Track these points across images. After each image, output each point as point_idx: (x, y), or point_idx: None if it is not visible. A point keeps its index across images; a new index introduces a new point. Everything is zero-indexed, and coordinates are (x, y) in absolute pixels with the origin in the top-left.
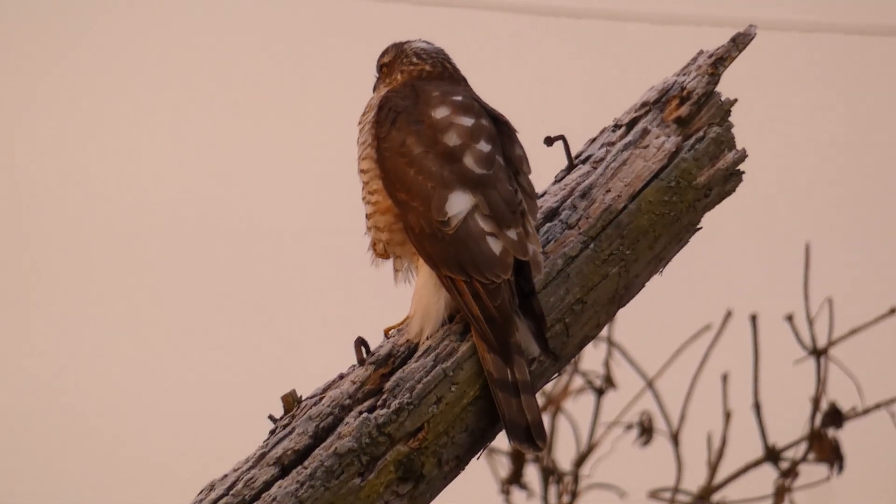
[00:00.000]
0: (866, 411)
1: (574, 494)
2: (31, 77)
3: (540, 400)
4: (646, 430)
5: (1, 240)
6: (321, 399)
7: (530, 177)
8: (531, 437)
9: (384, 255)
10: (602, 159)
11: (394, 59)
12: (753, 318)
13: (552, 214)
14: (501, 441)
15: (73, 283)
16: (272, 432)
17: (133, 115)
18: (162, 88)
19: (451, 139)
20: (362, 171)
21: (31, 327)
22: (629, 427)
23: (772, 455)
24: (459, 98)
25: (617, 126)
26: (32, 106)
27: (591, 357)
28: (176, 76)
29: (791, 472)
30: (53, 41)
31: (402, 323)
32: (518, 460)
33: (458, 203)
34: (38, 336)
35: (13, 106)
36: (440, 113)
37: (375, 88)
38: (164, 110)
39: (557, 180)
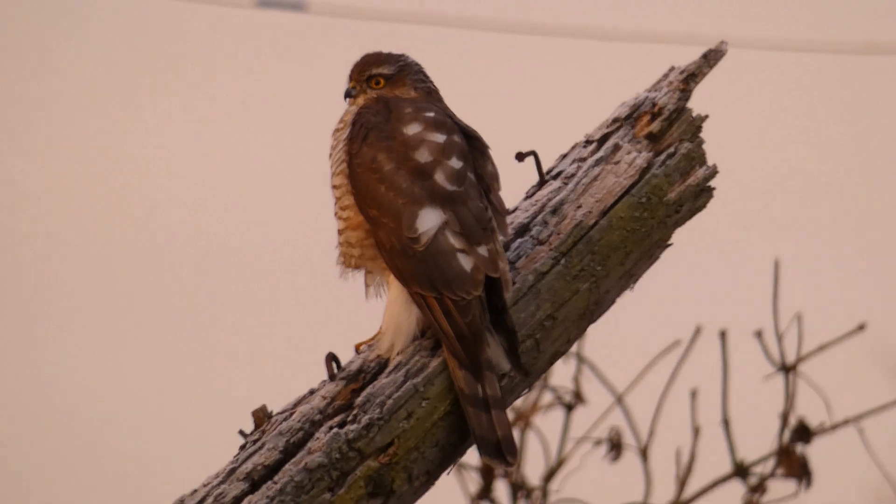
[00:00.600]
0: (835, 427)
1: None
2: (26, 85)
3: (510, 415)
4: (615, 446)
5: None
6: (291, 414)
7: (501, 193)
8: (501, 453)
9: (355, 269)
10: (573, 175)
11: (401, 73)
12: (723, 335)
13: (523, 230)
14: (471, 456)
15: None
16: (242, 447)
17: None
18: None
19: (423, 156)
20: (335, 187)
21: None
22: (598, 442)
23: (740, 471)
24: (432, 114)
25: (588, 142)
26: (29, 112)
27: (561, 373)
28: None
29: (759, 488)
30: (47, 46)
31: (372, 338)
32: (488, 475)
33: (429, 220)
34: None
35: (12, 111)
36: (412, 129)
37: (350, 97)
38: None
39: (528, 196)
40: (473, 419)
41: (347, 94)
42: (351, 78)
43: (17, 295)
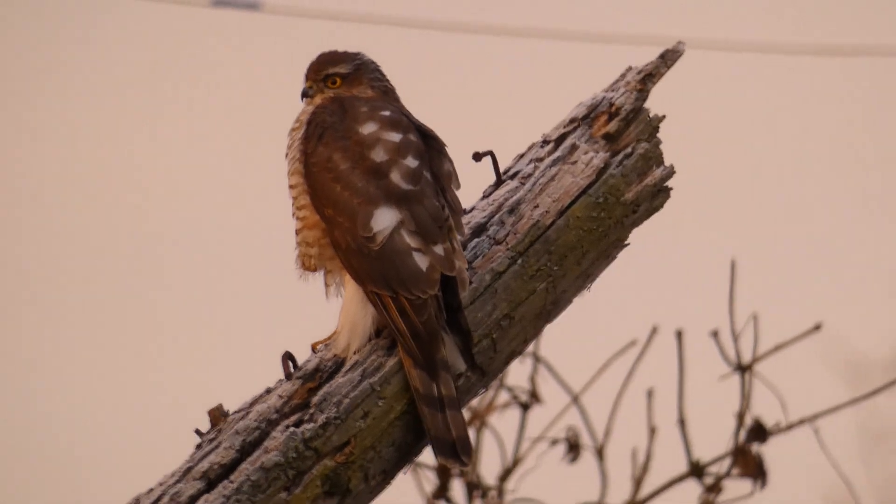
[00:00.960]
0: (790, 427)
1: None
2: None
3: (466, 415)
4: (572, 446)
5: None
6: (248, 413)
7: (459, 192)
8: (456, 453)
9: (312, 269)
10: (530, 175)
11: (358, 72)
12: (679, 334)
13: (480, 230)
14: (428, 456)
15: None
16: (199, 446)
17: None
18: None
19: (378, 155)
20: (291, 186)
21: None
22: (554, 442)
23: (696, 470)
24: (387, 113)
25: (545, 142)
26: (17, 117)
27: (518, 372)
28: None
29: (715, 488)
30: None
31: (329, 338)
32: (444, 475)
33: (384, 219)
34: None
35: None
36: (368, 128)
37: (307, 96)
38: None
39: (485, 196)
40: (428, 419)
41: (304, 94)
42: (307, 77)
43: None
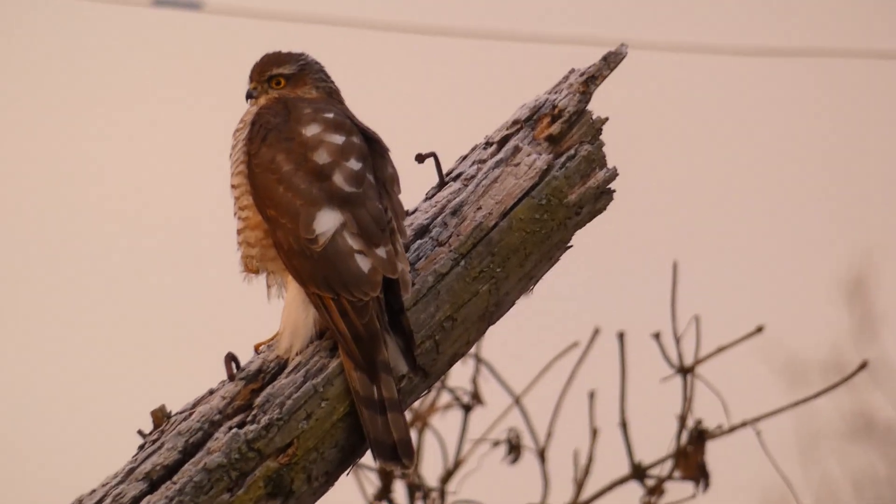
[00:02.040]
0: (732, 429)
1: None
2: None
3: (408, 416)
4: (514, 448)
5: None
6: (191, 414)
7: (401, 194)
8: (397, 455)
9: (254, 271)
10: (473, 177)
11: (302, 72)
12: (621, 336)
13: (423, 231)
14: (371, 457)
15: None
16: (141, 447)
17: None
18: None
19: (321, 157)
20: (234, 187)
21: None
22: (496, 444)
23: (638, 472)
24: (331, 115)
25: (488, 144)
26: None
27: (459, 374)
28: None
29: (657, 490)
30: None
31: (272, 339)
32: (386, 476)
33: (327, 221)
34: None
35: None
36: (311, 130)
37: (252, 97)
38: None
39: (428, 197)
40: (368, 422)
41: (248, 96)
42: (251, 78)
43: None
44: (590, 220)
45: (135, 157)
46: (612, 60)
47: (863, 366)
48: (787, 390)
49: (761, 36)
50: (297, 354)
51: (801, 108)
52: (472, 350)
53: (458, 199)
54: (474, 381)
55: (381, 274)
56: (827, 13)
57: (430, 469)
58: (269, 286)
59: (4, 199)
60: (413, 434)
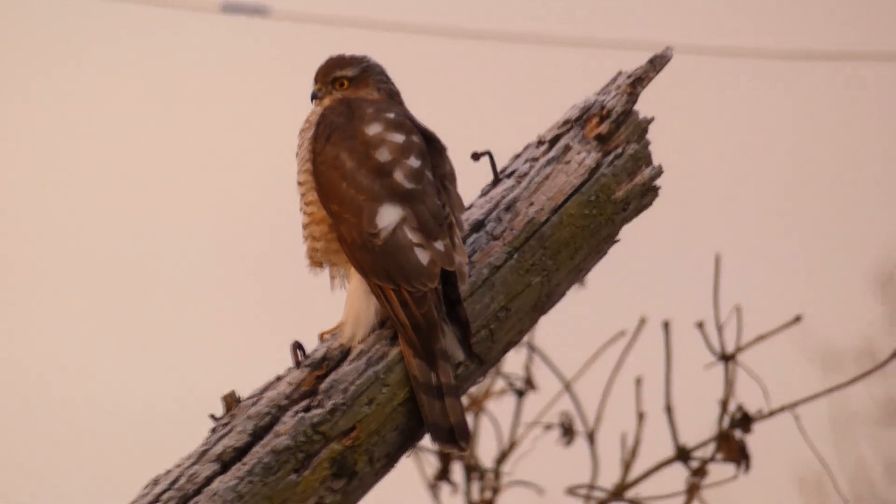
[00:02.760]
0: (771, 414)
1: (495, 491)
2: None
3: (464, 401)
4: (567, 431)
5: None
6: (259, 399)
7: (458, 191)
8: (454, 438)
9: (319, 264)
10: (526, 174)
11: (364, 74)
12: (666, 325)
13: (478, 226)
14: (429, 440)
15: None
16: (213, 431)
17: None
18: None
19: (383, 155)
20: (300, 184)
21: None
22: (548, 427)
23: (682, 454)
24: (392, 115)
25: (540, 142)
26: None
27: (513, 361)
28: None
29: (700, 471)
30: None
31: (335, 328)
32: (444, 458)
33: (388, 216)
34: None
35: None
36: (373, 129)
37: (317, 98)
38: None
39: (483, 193)
40: (426, 406)
41: (314, 97)
42: (316, 80)
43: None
44: (636, 215)
45: (209, 155)
46: (657, 63)
47: (894, 355)
48: (822, 377)
49: (798, 40)
50: (359, 343)
51: (836, 110)
52: (525, 338)
53: (511, 196)
54: (527, 367)
55: (439, 266)
56: (859, 17)
57: (485, 451)
58: (332, 278)
59: (75, 187)
60: (469, 418)
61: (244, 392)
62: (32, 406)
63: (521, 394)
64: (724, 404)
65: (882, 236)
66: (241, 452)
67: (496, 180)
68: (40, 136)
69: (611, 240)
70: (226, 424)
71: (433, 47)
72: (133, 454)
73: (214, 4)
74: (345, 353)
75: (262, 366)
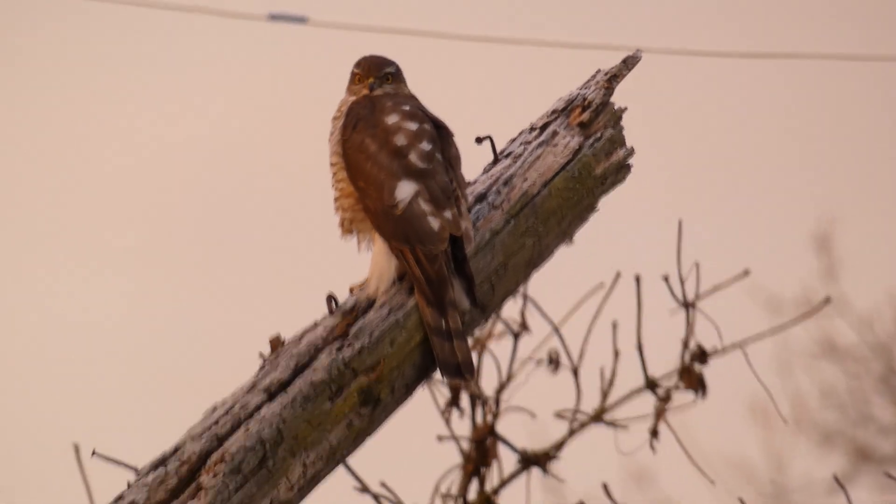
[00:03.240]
0: (724, 350)
1: (496, 416)
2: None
3: (469, 342)
4: (553, 361)
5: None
6: (300, 341)
7: (463, 168)
8: (461, 372)
9: (349, 232)
10: (520, 155)
11: (398, 72)
12: (637, 279)
13: (481, 198)
14: (440, 374)
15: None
16: (261, 367)
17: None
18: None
19: (400, 140)
20: (332, 164)
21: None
22: (539, 362)
23: (651, 384)
24: (407, 108)
25: (532, 129)
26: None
27: (511, 308)
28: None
29: (666, 398)
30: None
31: (363, 283)
32: (454, 389)
33: (405, 190)
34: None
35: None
36: (391, 119)
37: (373, 89)
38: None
39: (485, 171)
40: (438, 347)
41: (371, 88)
42: (372, 75)
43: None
44: (613, 188)
45: (257, 141)
46: (629, 62)
47: (826, 301)
48: (768, 321)
49: (744, 42)
50: (382, 294)
51: (780, 100)
52: (521, 290)
53: (508, 173)
54: (522, 313)
55: (448, 231)
56: (807, 20)
57: (487, 383)
58: (359, 242)
59: (162, 166)
60: (474, 356)
61: (287, 335)
62: (117, 347)
63: (517, 335)
64: (685, 343)
65: (819, 204)
66: (284, 385)
67: (496, 160)
68: (120, 136)
69: (591, 208)
70: (272, 362)
71: (446, 51)
72: (198, 385)
73: (263, 15)
74: (370, 303)
75: (302, 314)
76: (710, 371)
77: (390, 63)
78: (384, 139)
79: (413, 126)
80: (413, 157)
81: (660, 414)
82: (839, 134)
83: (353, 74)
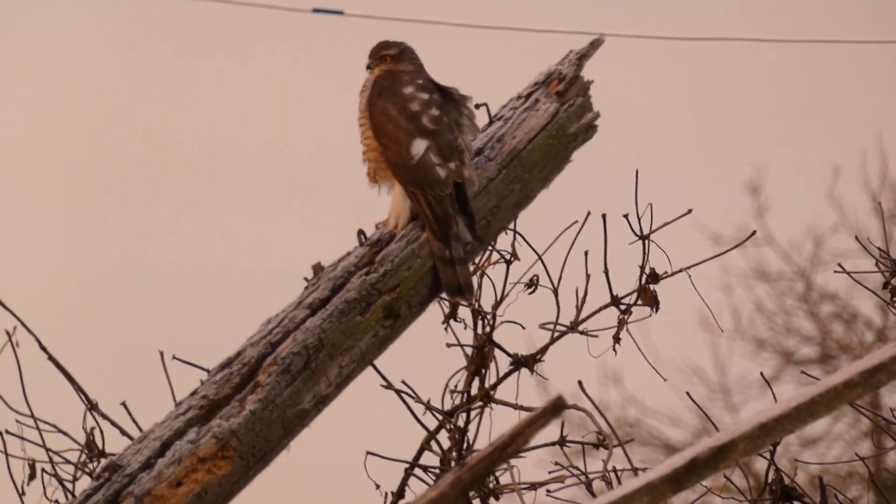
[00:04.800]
0: (673, 274)
1: (493, 328)
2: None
3: (470, 268)
4: (532, 284)
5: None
6: (336, 267)
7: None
8: (462, 292)
9: (374, 180)
10: (510, 118)
11: (401, 54)
12: (604, 217)
13: (479, 152)
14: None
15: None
16: (306, 288)
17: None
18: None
19: (414, 106)
20: (360, 125)
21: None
22: (527, 285)
23: (615, 301)
24: (420, 81)
25: (519, 97)
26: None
27: (503, 240)
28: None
29: (627, 311)
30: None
31: (385, 220)
32: (453, 305)
33: (418, 146)
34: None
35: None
36: (408, 90)
37: (370, 68)
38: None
39: (482, 131)
40: (442, 272)
41: (368, 67)
42: (370, 56)
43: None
44: (583, 143)
45: (301, 113)
46: (595, 44)
47: (752, 234)
48: (712, 252)
49: (700, 27)
50: (401, 229)
51: (724, 79)
52: (511, 225)
53: (500, 132)
54: (513, 245)
55: (452, 179)
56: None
57: (485, 300)
58: (380, 187)
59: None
60: (475, 279)
61: (326, 262)
62: (174, 274)
63: (508, 262)
64: (642, 268)
65: (751, 156)
66: (324, 302)
67: (490, 122)
68: (162, 106)
69: (566, 160)
70: (314, 284)
71: (458, 38)
72: (257, 304)
73: (307, 7)
74: (392, 237)
75: (338, 245)
76: (664, 291)
77: (389, 46)
78: (402, 105)
79: (425, 96)
80: (425, 120)
81: (621, 324)
82: (769, 103)
83: (381, 55)
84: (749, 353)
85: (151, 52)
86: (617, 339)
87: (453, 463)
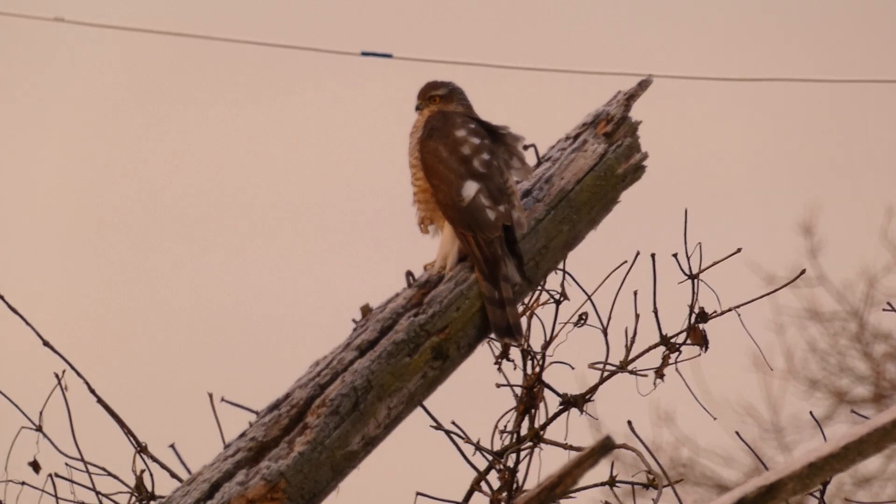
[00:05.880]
0: (722, 313)
1: (542, 367)
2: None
3: (519, 308)
4: (580, 320)
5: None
6: (384, 308)
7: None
8: (512, 333)
9: (424, 224)
10: (558, 158)
11: (450, 94)
12: (653, 256)
13: (527, 193)
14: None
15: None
16: (354, 330)
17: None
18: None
19: (466, 150)
20: (412, 166)
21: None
22: (576, 324)
23: (664, 340)
24: (472, 125)
25: (567, 138)
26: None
27: (553, 280)
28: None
29: (673, 349)
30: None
31: (434, 261)
32: (506, 347)
33: (469, 188)
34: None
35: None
36: (460, 133)
37: (419, 109)
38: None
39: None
40: (491, 313)
41: (417, 108)
42: (419, 97)
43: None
44: (631, 184)
45: (349, 155)
46: (644, 85)
47: (802, 272)
48: (761, 288)
49: (745, 67)
50: (449, 270)
51: (776, 119)
52: (560, 266)
53: (549, 173)
54: (562, 285)
55: (501, 221)
56: (794, 48)
57: (535, 340)
58: (430, 228)
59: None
60: (524, 320)
61: (374, 304)
62: (222, 317)
63: (558, 303)
64: (691, 307)
65: (804, 196)
66: (372, 343)
67: (539, 163)
68: (194, 150)
69: (614, 201)
70: (362, 325)
71: (505, 79)
72: (306, 345)
73: (356, 51)
74: (440, 278)
75: (387, 287)
76: (716, 331)
77: (438, 86)
78: (453, 147)
79: (476, 141)
80: (476, 164)
81: (665, 360)
82: (821, 142)
83: (431, 96)
84: (802, 392)
85: (200, 95)
86: (660, 375)
87: (503, 503)
